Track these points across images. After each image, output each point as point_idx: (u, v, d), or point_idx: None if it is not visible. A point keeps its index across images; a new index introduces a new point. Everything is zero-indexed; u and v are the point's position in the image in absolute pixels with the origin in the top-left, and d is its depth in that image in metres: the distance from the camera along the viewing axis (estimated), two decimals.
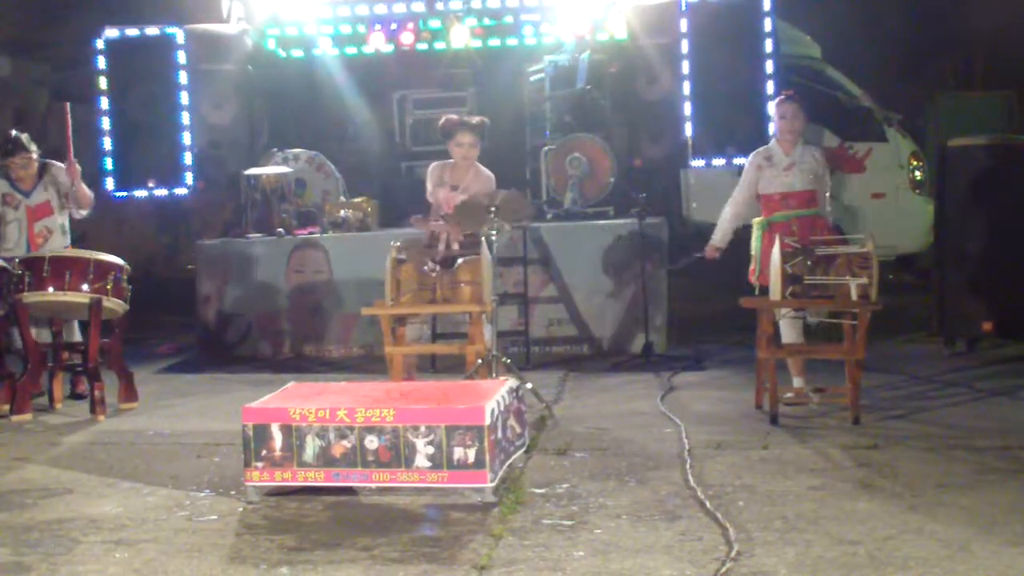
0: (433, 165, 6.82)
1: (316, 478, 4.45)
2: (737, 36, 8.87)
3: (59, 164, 7.25)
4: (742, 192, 6.60)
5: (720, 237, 6.69)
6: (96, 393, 6.55)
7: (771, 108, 6.64)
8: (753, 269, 6.48)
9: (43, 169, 7.21)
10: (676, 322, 8.81)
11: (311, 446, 4.43)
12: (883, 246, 8.17)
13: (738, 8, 8.90)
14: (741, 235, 6.93)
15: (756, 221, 6.52)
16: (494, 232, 6.17)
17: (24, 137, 7.16)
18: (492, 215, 6.12)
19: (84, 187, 7.24)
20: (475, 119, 6.73)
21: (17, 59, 13.86)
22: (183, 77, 9.29)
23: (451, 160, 6.69)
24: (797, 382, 6.38)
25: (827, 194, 6.51)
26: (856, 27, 15.07)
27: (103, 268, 6.58)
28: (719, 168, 9.47)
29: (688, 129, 8.93)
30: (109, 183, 9.24)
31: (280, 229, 8.78)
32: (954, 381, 6.97)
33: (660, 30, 9.02)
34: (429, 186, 6.75)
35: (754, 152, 6.58)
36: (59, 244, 7.14)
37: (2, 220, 7.10)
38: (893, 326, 8.51)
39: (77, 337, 7.23)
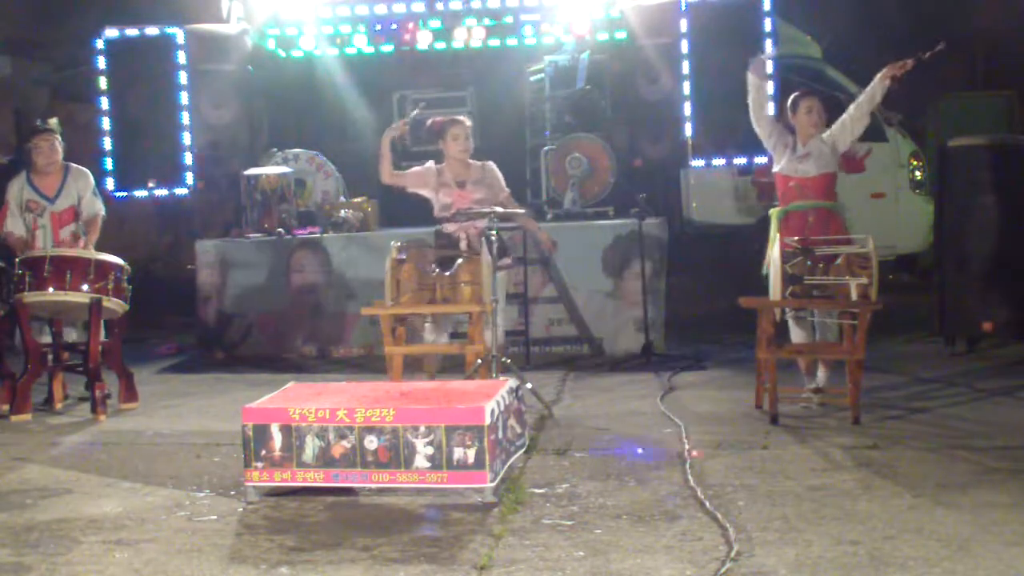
0: (423, 171, 6.75)
1: (316, 478, 4.45)
2: (737, 36, 8.84)
3: (82, 168, 7.26)
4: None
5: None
6: (97, 393, 6.55)
7: (789, 103, 6.66)
8: (768, 260, 6.46)
9: (66, 172, 7.17)
10: (676, 322, 8.80)
11: (311, 446, 4.43)
12: (883, 246, 8.15)
13: (738, 8, 8.87)
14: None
15: (773, 212, 6.53)
16: (494, 232, 6.17)
17: (53, 121, 7.15)
18: (493, 215, 6.15)
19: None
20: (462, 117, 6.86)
21: (17, 59, 13.81)
22: (183, 77, 9.25)
23: (440, 163, 6.71)
24: (812, 380, 6.37)
25: (852, 135, 6.53)
26: (856, 27, 15.04)
27: (103, 268, 6.59)
28: (719, 168, 9.46)
29: (688, 129, 8.90)
30: (109, 183, 9.21)
31: (280, 229, 8.78)
32: (954, 381, 6.97)
33: (660, 30, 8.99)
34: (426, 193, 6.73)
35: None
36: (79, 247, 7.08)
37: (27, 227, 7.02)
38: (893, 326, 8.51)
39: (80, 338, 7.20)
